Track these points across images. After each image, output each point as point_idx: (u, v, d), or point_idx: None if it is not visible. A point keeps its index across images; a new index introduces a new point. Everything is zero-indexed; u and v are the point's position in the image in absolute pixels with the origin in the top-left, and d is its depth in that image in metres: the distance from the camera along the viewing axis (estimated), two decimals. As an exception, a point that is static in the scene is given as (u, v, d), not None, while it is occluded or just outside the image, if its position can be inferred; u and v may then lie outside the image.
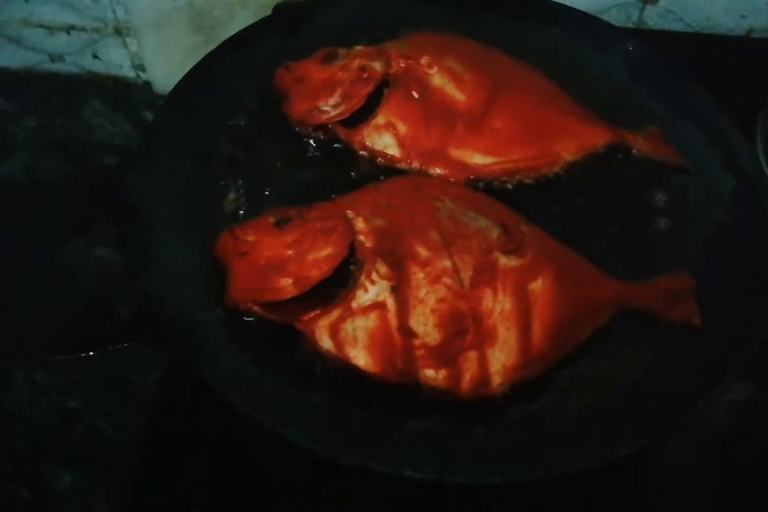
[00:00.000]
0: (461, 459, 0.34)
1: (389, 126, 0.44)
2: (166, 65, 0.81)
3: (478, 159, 0.44)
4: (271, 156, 0.46)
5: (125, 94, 0.86)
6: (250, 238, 0.38)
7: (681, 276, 0.41)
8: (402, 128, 0.44)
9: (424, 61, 0.46)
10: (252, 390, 0.35)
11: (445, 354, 0.35)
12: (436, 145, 0.44)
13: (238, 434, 0.41)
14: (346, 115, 0.44)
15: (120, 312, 0.40)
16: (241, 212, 0.44)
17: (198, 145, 0.46)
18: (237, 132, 0.47)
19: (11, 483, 0.60)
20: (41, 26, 0.81)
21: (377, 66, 0.45)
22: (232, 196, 0.45)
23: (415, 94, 0.45)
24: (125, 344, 0.38)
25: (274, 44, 0.52)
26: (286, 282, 0.36)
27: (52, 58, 0.84)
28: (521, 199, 0.44)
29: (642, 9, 0.70)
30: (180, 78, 0.81)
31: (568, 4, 0.65)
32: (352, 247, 0.37)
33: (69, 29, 0.81)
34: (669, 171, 0.46)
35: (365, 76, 0.44)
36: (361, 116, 0.45)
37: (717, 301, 0.39)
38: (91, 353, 0.40)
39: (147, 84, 0.85)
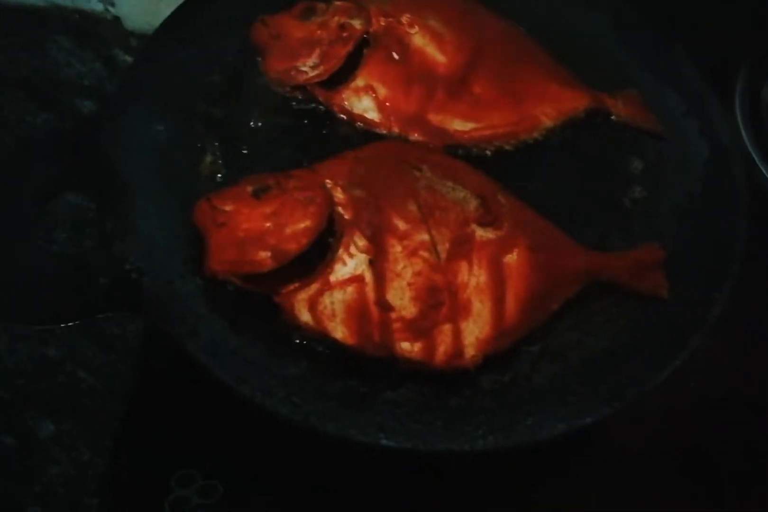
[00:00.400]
0: (434, 429, 0.35)
1: (368, 89, 0.43)
2: (140, 1, 0.77)
3: (458, 124, 0.44)
4: (248, 115, 0.46)
5: (93, 29, 0.82)
6: (228, 208, 0.37)
7: (651, 249, 0.42)
8: (382, 91, 0.43)
9: (404, 19, 0.44)
10: (232, 361, 0.36)
11: (421, 327, 0.36)
12: (415, 110, 0.44)
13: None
14: (325, 77, 0.43)
15: (99, 281, 0.40)
16: (219, 175, 0.44)
17: (174, 102, 0.45)
18: (213, 89, 0.46)
19: (-6, 431, 0.61)
20: (3, -46, 0.76)
21: (357, 24, 0.44)
22: (209, 158, 0.44)
23: (395, 56, 0.44)
24: (103, 315, 0.39)
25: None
26: (265, 255, 0.36)
27: (15, -11, 0.80)
28: (500, 165, 0.44)
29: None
30: (152, 15, 0.78)
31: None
32: (331, 218, 0.37)
33: (34, -42, 0.76)
34: (646, 137, 0.46)
35: (344, 35, 0.43)
36: (340, 77, 0.44)
37: (684, 273, 0.41)
38: (70, 324, 0.40)
39: (116, 19, 0.81)
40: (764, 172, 0.53)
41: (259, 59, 0.45)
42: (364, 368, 0.37)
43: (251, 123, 0.45)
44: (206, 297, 0.38)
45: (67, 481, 0.60)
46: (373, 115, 0.44)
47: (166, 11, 0.77)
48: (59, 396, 0.63)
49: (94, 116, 0.45)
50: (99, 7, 0.81)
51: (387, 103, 0.44)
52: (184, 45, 0.47)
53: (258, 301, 0.38)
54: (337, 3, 0.45)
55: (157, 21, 0.78)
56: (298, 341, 0.37)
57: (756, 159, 0.54)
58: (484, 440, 0.35)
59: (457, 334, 0.36)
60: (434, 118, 0.44)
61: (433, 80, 0.44)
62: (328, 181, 0.39)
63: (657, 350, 0.38)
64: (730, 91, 0.57)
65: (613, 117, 0.47)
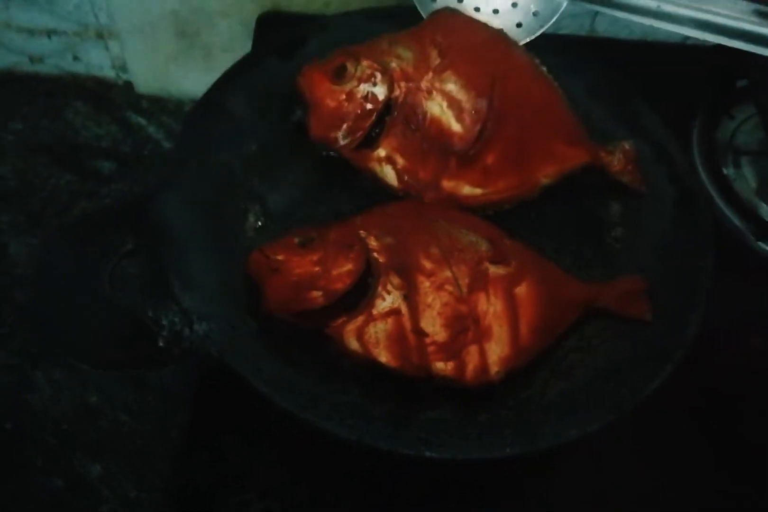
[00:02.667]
0: (469, 440, 0.42)
1: (389, 159, 0.49)
2: (150, 67, 0.84)
3: (467, 190, 0.50)
4: (282, 179, 0.53)
5: (107, 94, 0.89)
6: (280, 257, 0.44)
7: (634, 280, 0.49)
8: (400, 162, 0.49)
9: (424, 84, 0.48)
10: (293, 392, 0.42)
11: (452, 349, 0.43)
12: (430, 178, 0.49)
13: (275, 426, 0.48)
14: (353, 146, 0.50)
15: (157, 332, 0.46)
16: (261, 232, 0.50)
17: (216, 173, 0.51)
18: (250, 158, 0.53)
19: (45, 475, 0.66)
20: (21, 29, 0.83)
21: (380, 93, 0.48)
22: (251, 217, 0.51)
23: (413, 127, 0.49)
24: (170, 361, 0.44)
25: (273, 68, 0.56)
26: (317, 294, 0.43)
27: (32, 60, 0.86)
28: (501, 219, 0.51)
29: (594, 18, 0.76)
30: (161, 79, 0.86)
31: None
32: (368, 263, 0.44)
33: (50, 33, 0.83)
34: (620, 183, 0.54)
35: (368, 107, 0.49)
36: (365, 141, 0.50)
37: (663, 300, 0.48)
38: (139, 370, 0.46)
39: (128, 84, 0.88)
40: (718, 202, 0.61)
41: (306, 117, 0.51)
42: (404, 393, 0.44)
43: (285, 185, 0.52)
44: (264, 338, 0.45)
45: (118, 519, 0.64)
46: (392, 181, 0.50)
47: (175, 75, 0.85)
48: (103, 439, 0.68)
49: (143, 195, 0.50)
50: (111, 73, 0.88)
51: (405, 172, 0.49)
52: (218, 119, 0.54)
53: (308, 339, 0.45)
54: (364, 63, 0.49)
55: (167, 84, 0.86)
56: (347, 369, 0.44)
57: (711, 192, 0.62)
58: (511, 448, 0.41)
59: (482, 354, 0.43)
60: (447, 185, 0.49)
61: (447, 151, 0.48)
62: (362, 231, 0.46)
63: (647, 365, 0.45)
64: (687, 135, 0.65)
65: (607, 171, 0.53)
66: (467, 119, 0.49)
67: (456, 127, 0.49)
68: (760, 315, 0.58)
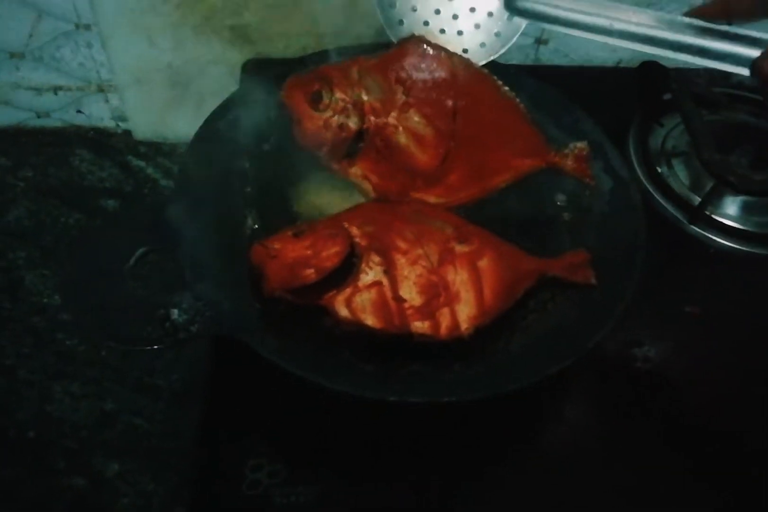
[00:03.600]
0: (446, 387, 0.49)
1: (364, 176, 0.58)
2: (146, 116, 0.93)
3: (433, 199, 0.58)
4: (272, 188, 0.61)
5: (108, 142, 0.98)
6: (277, 246, 0.52)
7: (580, 253, 0.57)
8: (374, 179, 0.57)
9: (391, 120, 0.56)
10: (294, 357, 0.49)
11: (427, 311, 0.51)
12: (400, 191, 0.58)
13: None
14: (335, 161, 0.57)
15: (174, 315, 0.53)
16: (259, 232, 0.59)
17: (217, 185, 0.60)
18: (244, 172, 0.62)
19: (68, 475, 0.72)
20: (30, 88, 0.92)
21: (352, 123, 0.56)
22: (249, 221, 0.60)
23: (382, 155, 0.56)
24: (187, 338, 0.51)
25: (260, 99, 0.66)
26: (310, 271, 0.51)
27: (39, 115, 0.95)
28: (465, 210, 0.60)
29: (537, 49, 0.87)
30: (157, 126, 0.94)
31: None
32: (352, 246, 0.52)
33: (56, 90, 0.92)
34: (563, 177, 0.63)
35: (343, 135, 0.56)
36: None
37: (604, 267, 0.56)
38: (159, 346, 0.52)
39: (126, 132, 0.97)
40: (656, 196, 0.71)
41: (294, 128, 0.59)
42: (389, 352, 0.51)
43: (275, 193, 0.61)
44: (266, 316, 0.52)
45: (136, 509, 0.70)
46: (369, 192, 0.59)
47: (170, 121, 0.94)
48: (119, 441, 0.74)
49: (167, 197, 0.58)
50: (111, 123, 0.97)
51: (379, 186, 0.58)
52: (216, 142, 0.63)
53: (304, 315, 0.53)
54: (338, 95, 0.55)
55: (162, 129, 0.96)
56: (339, 336, 0.51)
57: (649, 188, 0.71)
58: (485, 391, 0.49)
59: (453, 314, 0.51)
60: (415, 195, 0.58)
61: (413, 173, 0.57)
62: (345, 223, 0.54)
63: (593, 320, 0.53)
64: (625, 143, 0.75)
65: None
66: (431, 150, 0.56)
67: (421, 156, 0.57)
68: (695, 287, 0.66)
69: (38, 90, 0.92)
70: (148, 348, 0.50)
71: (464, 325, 0.51)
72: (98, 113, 0.95)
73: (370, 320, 0.50)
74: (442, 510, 0.53)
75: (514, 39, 0.55)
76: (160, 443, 0.73)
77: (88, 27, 0.83)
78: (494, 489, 0.54)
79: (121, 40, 0.83)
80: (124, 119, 0.96)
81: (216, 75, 0.87)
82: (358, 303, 0.50)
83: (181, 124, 0.93)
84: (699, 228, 0.69)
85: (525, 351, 0.52)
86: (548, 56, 0.88)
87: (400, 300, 0.51)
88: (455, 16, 0.54)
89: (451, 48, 0.56)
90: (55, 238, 0.88)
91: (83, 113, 0.95)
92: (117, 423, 0.74)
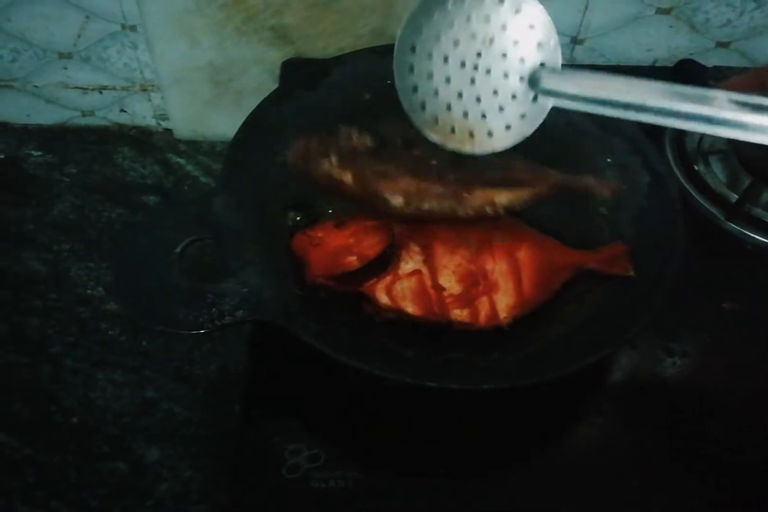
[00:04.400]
0: (485, 374, 0.50)
1: None
2: (187, 115, 0.96)
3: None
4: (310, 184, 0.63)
5: (149, 140, 1.00)
6: (320, 235, 0.54)
7: (617, 245, 0.58)
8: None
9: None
10: (336, 342, 0.51)
11: (466, 300, 0.52)
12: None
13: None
14: None
15: (219, 301, 0.55)
16: (299, 224, 0.60)
17: (258, 178, 0.62)
18: (284, 167, 0.63)
19: (110, 460, 0.74)
20: (77, 88, 0.95)
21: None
22: (291, 214, 0.61)
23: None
24: (231, 323, 0.52)
25: (302, 95, 0.67)
26: (352, 259, 0.52)
27: (84, 114, 0.98)
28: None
29: (572, 48, 0.88)
30: (197, 125, 0.97)
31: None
32: (393, 236, 0.53)
33: (101, 89, 0.95)
34: (603, 171, 0.63)
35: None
36: None
37: (642, 259, 0.56)
38: (206, 330, 0.54)
39: (167, 131, 1.00)
40: (693, 193, 0.71)
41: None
42: (428, 339, 0.52)
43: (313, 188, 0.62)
44: (308, 303, 0.54)
45: (175, 495, 0.72)
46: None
47: (209, 119, 0.96)
48: (160, 428, 0.76)
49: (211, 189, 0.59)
50: (153, 122, 1.00)
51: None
52: (258, 136, 0.64)
53: (345, 302, 0.54)
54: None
55: (202, 128, 0.98)
56: (379, 322, 0.52)
57: (686, 185, 0.72)
58: (524, 378, 0.49)
59: (492, 303, 0.52)
60: None
61: None
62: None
63: (631, 311, 0.53)
64: (661, 142, 0.75)
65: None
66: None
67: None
68: (732, 284, 0.66)
69: (84, 89, 0.95)
70: (194, 332, 0.52)
71: (503, 314, 0.52)
72: (141, 112, 0.98)
73: (410, 307, 0.51)
74: (479, 499, 0.54)
75: (540, 121, 0.50)
76: (199, 430, 0.75)
77: (134, 28, 0.86)
78: (532, 480, 0.55)
79: (165, 41, 0.86)
80: (165, 118, 0.99)
81: (256, 74, 0.89)
82: (398, 291, 0.51)
83: (220, 123, 0.96)
84: (737, 224, 0.69)
85: (563, 341, 0.53)
86: (584, 56, 0.88)
87: (439, 288, 0.52)
88: (478, 99, 0.50)
89: (476, 132, 0.51)
90: (99, 231, 0.90)
91: (126, 112, 0.98)
92: (157, 410, 0.76)
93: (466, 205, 0.53)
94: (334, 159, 0.55)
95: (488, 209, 0.54)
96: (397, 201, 0.53)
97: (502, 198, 0.54)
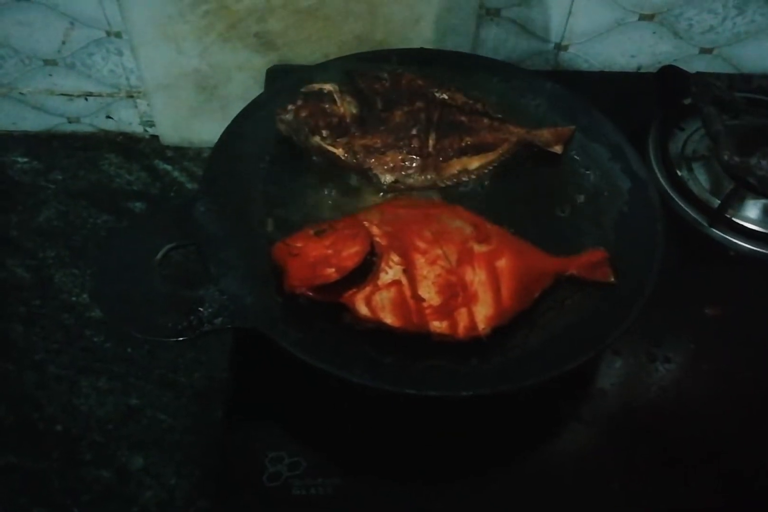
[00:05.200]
0: (464, 381, 0.50)
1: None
2: (173, 121, 0.96)
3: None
4: (292, 188, 0.63)
5: (135, 147, 1.00)
6: (299, 244, 0.53)
7: (598, 251, 0.58)
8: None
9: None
10: (315, 349, 0.51)
11: (445, 311, 0.51)
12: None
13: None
14: None
15: (199, 308, 0.55)
16: (278, 231, 0.60)
17: (240, 184, 0.62)
18: (266, 173, 0.63)
19: (94, 468, 0.74)
20: (62, 94, 0.95)
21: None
22: (270, 221, 0.61)
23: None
24: (211, 330, 0.52)
25: (285, 102, 0.67)
26: (330, 270, 0.52)
27: (70, 121, 0.98)
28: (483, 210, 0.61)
29: (556, 55, 0.88)
30: (183, 132, 0.97)
31: (501, 56, 0.84)
32: (372, 245, 0.53)
33: (87, 96, 0.95)
34: (584, 176, 0.64)
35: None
36: None
37: (623, 265, 0.57)
38: (185, 338, 0.54)
39: (153, 138, 1.00)
40: (675, 199, 0.71)
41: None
42: (406, 347, 0.52)
43: (295, 193, 0.62)
44: (288, 310, 0.54)
45: (160, 502, 0.72)
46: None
47: (195, 126, 0.96)
48: (144, 435, 0.76)
49: (192, 197, 0.59)
50: (139, 129, 1.00)
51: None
52: (239, 143, 0.64)
53: (325, 310, 0.54)
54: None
55: (188, 134, 0.98)
56: (358, 331, 0.52)
57: (669, 191, 0.72)
58: (503, 385, 0.49)
59: (471, 314, 0.52)
60: None
61: None
62: (365, 222, 0.55)
63: (611, 317, 0.53)
64: (645, 147, 0.75)
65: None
66: None
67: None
68: (714, 289, 0.66)
69: (70, 96, 0.95)
70: (173, 339, 0.52)
71: (482, 325, 0.52)
72: (127, 119, 0.98)
73: (389, 318, 0.51)
74: (461, 505, 0.54)
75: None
76: (183, 438, 0.74)
77: (118, 34, 0.86)
78: (512, 485, 0.55)
79: (150, 47, 0.86)
80: (151, 124, 0.99)
81: (241, 80, 0.89)
82: (378, 302, 0.51)
83: (206, 129, 0.96)
84: (719, 230, 0.70)
85: (543, 347, 0.53)
86: (568, 62, 0.89)
87: (419, 299, 0.52)
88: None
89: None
90: (84, 238, 0.90)
91: (112, 119, 0.98)
92: (142, 417, 0.76)
93: (443, 176, 0.62)
94: (325, 132, 0.62)
95: (463, 177, 0.63)
96: (387, 178, 0.61)
97: (474, 164, 0.63)
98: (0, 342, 0.80)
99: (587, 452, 0.57)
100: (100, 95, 0.95)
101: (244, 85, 0.90)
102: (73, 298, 0.84)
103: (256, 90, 0.87)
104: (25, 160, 0.97)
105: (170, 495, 0.71)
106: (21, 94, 0.94)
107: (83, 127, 0.99)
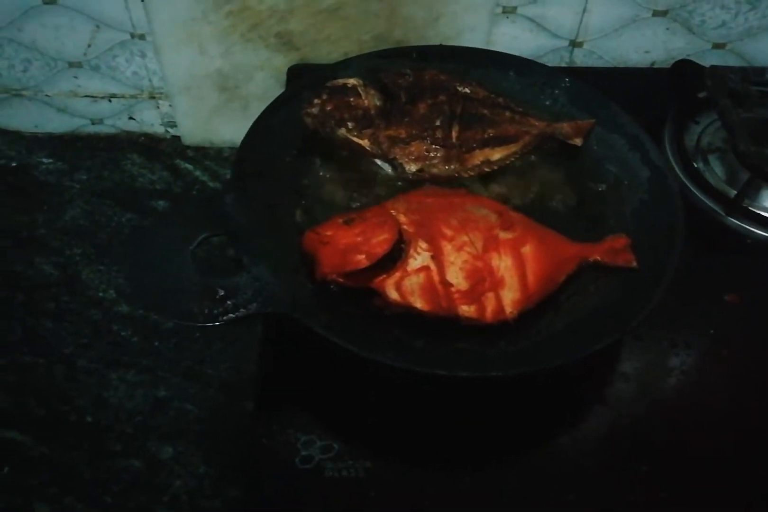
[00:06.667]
0: (491, 363, 0.51)
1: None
2: (194, 121, 0.98)
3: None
4: (318, 179, 0.64)
5: (157, 147, 1.02)
6: (329, 233, 0.55)
7: (621, 237, 0.59)
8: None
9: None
10: (347, 333, 0.52)
11: (473, 295, 0.53)
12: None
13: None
14: None
15: (234, 295, 0.56)
16: (307, 221, 0.61)
17: (268, 177, 0.63)
18: (292, 165, 0.65)
19: (125, 458, 0.75)
20: (87, 96, 0.97)
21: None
22: (299, 211, 0.62)
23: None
24: (246, 315, 0.54)
25: (306, 99, 0.69)
26: (361, 257, 0.53)
27: (93, 122, 1.00)
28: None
29: (571, 51, 0.90)
30: (204, 132, 0.99)
31: (517, 53, 0.85)
32: (400, 233, 0.55)
33: (110, 97, 0.97)
34: (604, 167, 0.65)
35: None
36: None
37: (644, 251, 0.58)
38: (220, 323, 0.55)
39: (175, 138, 1.02)
40: (693, 190, 0.72)
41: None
42: (435, 330, 0.53)
43: (325, 183, 0.64)
44: (319, 297, 0.55)
45: (189, 490, 0.73)
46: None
47: (216, 125, 0.98)
48: (172, 426, 0.77)
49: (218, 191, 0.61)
50: (161, 129, 1.02)
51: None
52: (269, 136, 0.66)
53: (355, 296, 0.55)
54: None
55: (209, 134, 1.00)
56: (388, 315, 0.54)
57: (686, 182, 0.73)
58: (531, 366, 0.51)
59: (498, 299, 0.53)
60: None
61: None
62: (392, 210, 0.57)
63: (634, 301, 0.55)
64: (661, 140, 0.77)
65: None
66: None
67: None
68: (733, 277, 0.67)
69: (94, 98, 0.97)
70: (210, 324, 0.53)
71: (509, 309, 0.53)
72: (149, 119, 1.00)
73: (418, 303, 0.53)
74: (488, 487, 0.55)
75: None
76: (211, 428, 0.76)
77: (142, 37, 0.88)
78: (540, 467, 0.56)
79: (173, 49, 0.88)
80: (173, 125, 1.00)
81: (261, 80, 0.91)
82: (407, 287, 0.53)
83: (227, 129, 0.98)
84: (736, 219, 0.71)
85: (569, 330, 0.54)
86: (582, 58, 0.90)
87: (447, 284, 0.53)
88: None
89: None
90: (109, 236, 0.92)
91: (135, 120, 1.00)
92: (170, 409, 0.77)
93: (466, 166, 0.63)
94: (350, 124, 0.63)
95: (486, 167, 0.64)
96: (411, 168, 0.63)
97: (496, 155, 0.64)
98: (30, 338, 0.82)
99: (611, 435, 0.58)
100: (123, 97, 0.97)
101: (264, 84, 0.91)
102: (100, 294, 0.86)
103: (276, 89, 0.90)
104: (50, 160, 0.99)
105: (199, 484, 0.72)
106: (46, 96, 0.96)
107: (106, 129, 1.01)
